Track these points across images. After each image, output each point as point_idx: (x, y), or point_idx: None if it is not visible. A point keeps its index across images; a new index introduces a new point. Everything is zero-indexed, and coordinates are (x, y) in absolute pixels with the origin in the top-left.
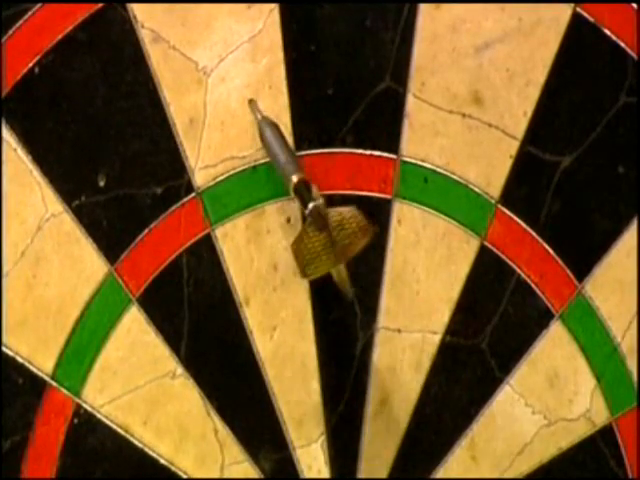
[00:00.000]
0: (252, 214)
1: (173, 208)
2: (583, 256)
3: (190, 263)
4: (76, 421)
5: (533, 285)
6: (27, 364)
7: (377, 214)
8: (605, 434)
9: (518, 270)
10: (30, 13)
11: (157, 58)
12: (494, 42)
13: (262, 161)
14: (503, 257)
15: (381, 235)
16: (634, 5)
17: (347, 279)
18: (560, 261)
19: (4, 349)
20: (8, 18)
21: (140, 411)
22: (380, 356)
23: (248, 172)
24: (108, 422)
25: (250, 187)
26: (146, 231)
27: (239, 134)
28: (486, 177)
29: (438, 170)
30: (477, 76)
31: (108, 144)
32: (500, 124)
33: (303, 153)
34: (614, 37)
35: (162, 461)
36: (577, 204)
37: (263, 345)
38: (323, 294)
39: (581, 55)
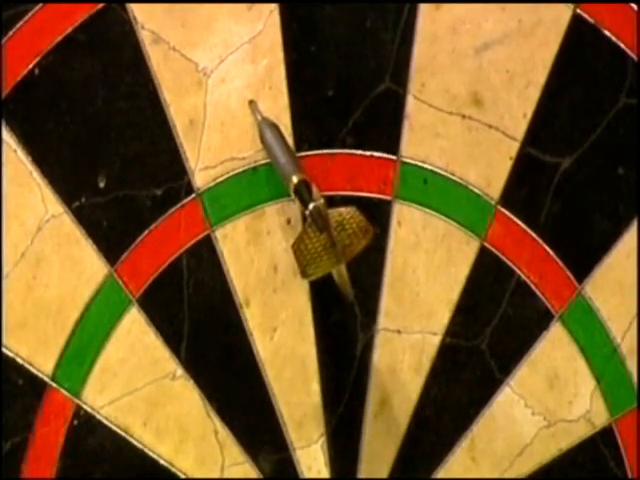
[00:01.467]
0: (252, 215)
1: (173, 209)
2: (583, 257)
3: (190, 264)
4: (76, 422)
5: (533, 286)
6: (27, 365)
7: (377, 215)
8: (605, 435)
9: (518, 271)
10: (30, 14)
11: (157, 59)
12: (494, 43)
13: (262, 162)
14: (503, 258)
15: (381, 236)
16: (634, 6)
17: (347, 280)
18: (560, 262)
19: (4, 350)
20: (8, 19)
21: (140, 412)
22: (380, 357)
23: (248, 173)
24: (108, 423)
25: (250, 188)
26: (146, 232)
27: (239, 135)
28: (486, 178)
29: (438, 171)
30: (477, 77)
31: (108, 145)
32: (500, 125)
33: (303, 154)
34: (614, 38)
35: (162, 462)
36: (577, 205)
37: (263, 346)
38: (323, 295)
39: (581, 56)
